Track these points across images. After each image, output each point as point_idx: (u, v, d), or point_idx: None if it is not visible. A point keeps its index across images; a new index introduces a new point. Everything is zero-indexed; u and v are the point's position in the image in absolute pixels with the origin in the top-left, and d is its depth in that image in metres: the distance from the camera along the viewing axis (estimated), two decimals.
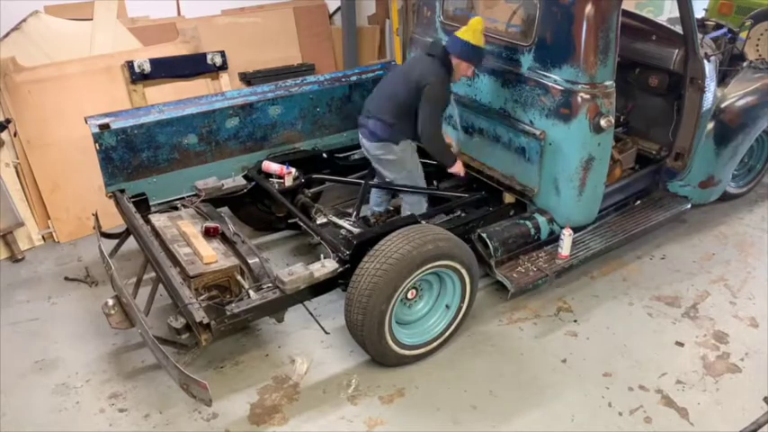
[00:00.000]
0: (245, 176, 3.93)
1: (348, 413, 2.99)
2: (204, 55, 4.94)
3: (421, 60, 3.61)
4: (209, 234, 3.26)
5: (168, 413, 2.98)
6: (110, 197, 3.60)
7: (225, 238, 3.30)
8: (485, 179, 3.86)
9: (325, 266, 3.03)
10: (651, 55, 4.07)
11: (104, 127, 3.47)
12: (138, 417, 2.97)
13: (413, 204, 3.83)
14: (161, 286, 3.19)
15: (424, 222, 3.29)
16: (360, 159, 4.38)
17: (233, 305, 2.83)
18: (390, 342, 3.08)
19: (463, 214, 3.70)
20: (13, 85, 4.17)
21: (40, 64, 4.34)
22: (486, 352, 3.36)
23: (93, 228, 3.63)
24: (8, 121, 4.12)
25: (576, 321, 3.57)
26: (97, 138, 3.46)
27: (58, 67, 4.39)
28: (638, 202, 4.15)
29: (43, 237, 4.39)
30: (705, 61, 3.79)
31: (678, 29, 3.84)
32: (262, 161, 3.96)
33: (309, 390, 3.12)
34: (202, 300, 2.86)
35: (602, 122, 3.28)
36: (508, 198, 3.83)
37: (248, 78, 5.31)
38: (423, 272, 3.00)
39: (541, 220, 3.59)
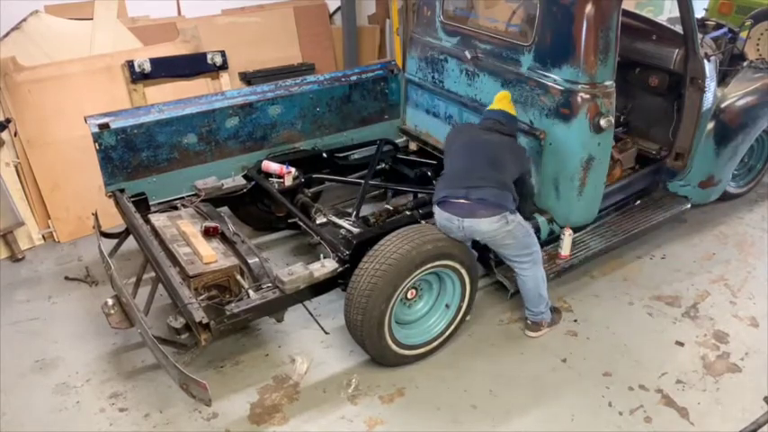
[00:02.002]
0: (244, 176, 3.93)
1: (348, 413, 2.99)
2: (204, 55, 4.94)
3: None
4: (208, 234, 3.26)
5: (168, 413, 2.98)
6: (109, 197, 3.60)
7: (225, 238, 3.30)
8: None
9: (325, 266, 3.03)
10: (651, 55, 4.06)
11: (104, 126, 3.47)
12: (138, 416, 2.97)
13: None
14: (161, 286, 3.19)
15: (423, 222, 3.29)
16: (360, 159, 4.38)
17: (233, 305, 2.83)
18: (390, 342, 3.08)
19: None
20: (13, 85, 4.17)
21: (40, 63, 4.34)
22: (486, 352, 3.36)
23: (93, 227, 3.63)
24: (8, 120, 4.12)
25: (576, 321, 3.57)
26: (97, 137, 3.46)
27: (58, 67, 4.39)
28: (638, 201, 4.15)
29: (43, 236, 4.39)
30: (705, 61, 3.79)
31: (678, 29, 3.84)
32: (261, 161, 3.95)
33: (309, 389, 3.12)
34: (202, 299, 2.86)
35: (602, 122, 3.28)
36: None
37: (248, 78, 5.31)
38: (422, 272, 3.00)
39: (541, 220, 3.58)
